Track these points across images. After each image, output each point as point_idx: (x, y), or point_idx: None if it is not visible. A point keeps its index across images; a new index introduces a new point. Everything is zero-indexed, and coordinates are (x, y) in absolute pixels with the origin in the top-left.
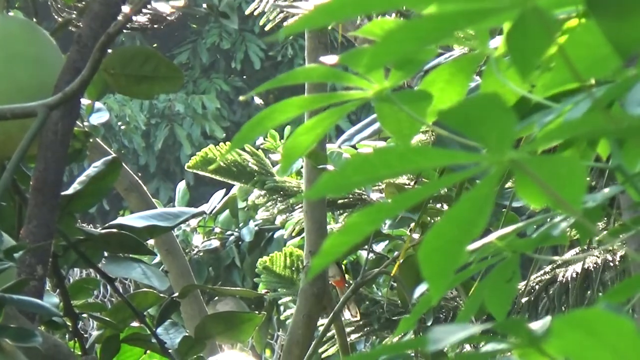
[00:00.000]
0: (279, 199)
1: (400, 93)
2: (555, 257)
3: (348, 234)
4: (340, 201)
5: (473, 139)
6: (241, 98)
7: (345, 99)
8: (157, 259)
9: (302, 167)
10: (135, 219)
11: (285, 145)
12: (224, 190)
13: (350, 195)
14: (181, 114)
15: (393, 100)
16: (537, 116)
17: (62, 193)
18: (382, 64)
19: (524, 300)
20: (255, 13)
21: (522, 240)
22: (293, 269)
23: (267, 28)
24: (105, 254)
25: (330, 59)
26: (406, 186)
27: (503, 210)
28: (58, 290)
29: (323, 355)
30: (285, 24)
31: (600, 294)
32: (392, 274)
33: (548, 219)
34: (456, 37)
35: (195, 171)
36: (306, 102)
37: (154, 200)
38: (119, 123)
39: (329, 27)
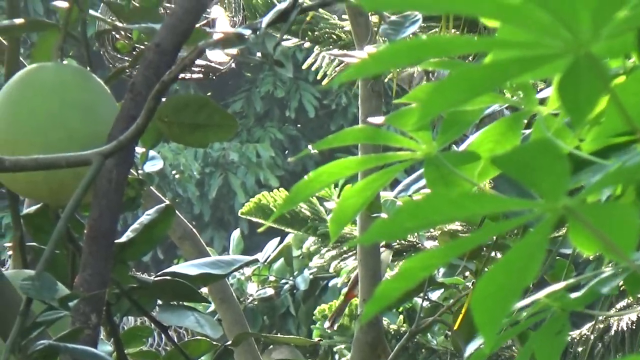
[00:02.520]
0: (331, 245)
1: (448, 154)
2: (609, 313)
3: (401, 280)
4: (394, 247)
5: (527, 185)
6: (290, 160)
7: (395, 159)
8: (212, 307)
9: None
10: (188, 267)
11: (334, 209)
12: (278, 239)
13: (404, 243)
14: (235, 162)
15: (442, 161)
16: (585, 173)
17: (116, 241)
18: (434, 114)
19: (579, 349)
20: (313, 68)
21: (572, 299)
22: (351, 317)
23: (324, 83)
24: (159, 302)
25: (378, 120)
26: (460, 234)
27: (558, 258)
28: (112, 338)
29: None
30: (339, 72)
31: None
32: (455, 328)
33: (598, 274)
34: (503, 97)
35: (249, 217)
36: (356, 164)
37: (208, 248)
38: (173, 172)
39: (383, 76)
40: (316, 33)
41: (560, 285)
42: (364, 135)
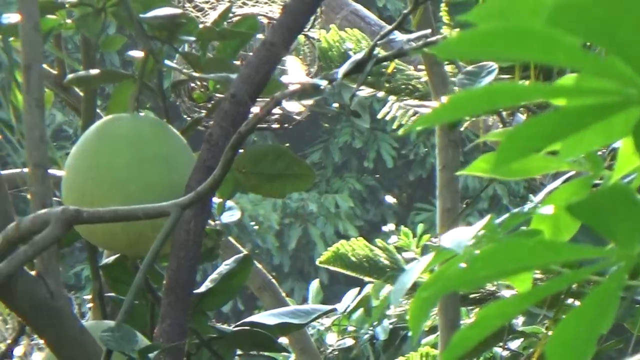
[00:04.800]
0: (410, 295)
1: (511, 236)
2: None
3: (477, 329)
4: (472, 296)
5: (601, 233)
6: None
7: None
8: (292, 357)
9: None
10: (267, 317)
11: (410, 309)
12: (357, 289)
13: (483, 291)
14: (314, 213)
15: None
16: None
17: (195, 291)
18: (510, 161)
19: None
20: (388, 118)
21: None
22: None
23: (400, 132)
24: (238, 352)
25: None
26: (538, 282)
27: (637, 305)
28: None
29: None
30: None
31: None
32: None
33: None
34: (569, 163)
35: (327, 267)
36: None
37: (287, 299)
38: (252, 223)
39: (460, 125)
40: (392, 84)
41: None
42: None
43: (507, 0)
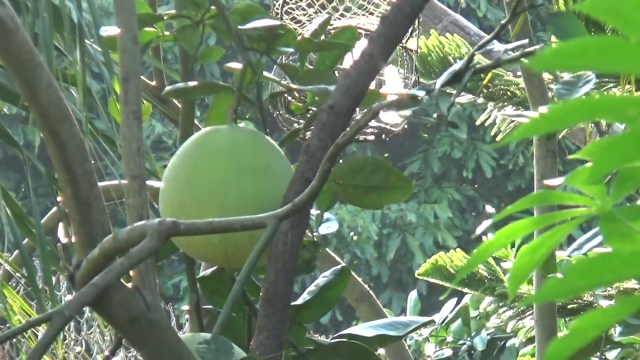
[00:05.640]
0: (509, 305)
1: (623, 208)
2: None
3: (573, 338)
4: (570, 307)
5: None
6: None
7: (569, 216)
8: None
9: (532, 275)
10: (365, 329)
11: (512, 267)
12: (455, 300)
13: (580, 302)
14: (413, 223)
15: (616, 216)
16: None
17: (292, 303)
18: (606, 171)
19: None
20: (486, 124)
21: None
22: None
23: (498, 138)
24: None
25: (553, 182)
26: (637, 292)
27: None
28: None
29: None
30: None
31: None
32: None
33: None
34: None
35: (426, 278)
36: (532, 224)
37: (385, 310)
38: (351, 233)
39: (558, 135)
40: (491, 90)
41: None
42: (539, 199)
43: None
